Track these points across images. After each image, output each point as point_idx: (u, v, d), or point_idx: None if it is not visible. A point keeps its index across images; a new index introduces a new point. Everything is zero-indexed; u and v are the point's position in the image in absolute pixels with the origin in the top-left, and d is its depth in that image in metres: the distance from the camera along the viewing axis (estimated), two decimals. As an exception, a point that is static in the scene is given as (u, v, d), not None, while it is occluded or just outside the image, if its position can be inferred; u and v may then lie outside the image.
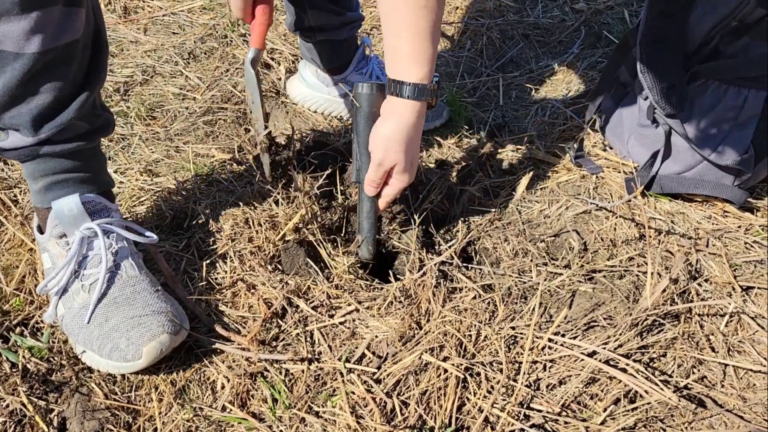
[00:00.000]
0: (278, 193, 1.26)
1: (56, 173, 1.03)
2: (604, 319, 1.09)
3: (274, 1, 1.23)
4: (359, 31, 1.92)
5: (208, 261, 1.17)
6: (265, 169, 1.31)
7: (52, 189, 1.04)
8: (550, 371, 1.01)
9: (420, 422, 0.94)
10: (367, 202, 1.19)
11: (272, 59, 1.76)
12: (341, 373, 1.00)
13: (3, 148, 1.00)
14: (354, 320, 1.09)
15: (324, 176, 1.27)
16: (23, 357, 1.00)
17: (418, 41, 1.01)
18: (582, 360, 1.01)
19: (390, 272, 1.22)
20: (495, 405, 0.96)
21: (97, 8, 1.00)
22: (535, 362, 1.02)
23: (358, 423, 0.93)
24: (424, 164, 1.42)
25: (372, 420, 0.93)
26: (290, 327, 1.08)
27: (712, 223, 1.28)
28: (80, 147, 1.03)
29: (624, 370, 0.99)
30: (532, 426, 0.94)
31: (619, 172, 1.39)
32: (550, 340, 1.04)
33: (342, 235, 1.27)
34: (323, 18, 1.43)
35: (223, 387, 1.00)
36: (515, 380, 0.99)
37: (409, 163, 1.11)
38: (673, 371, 1.02)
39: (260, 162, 1.33)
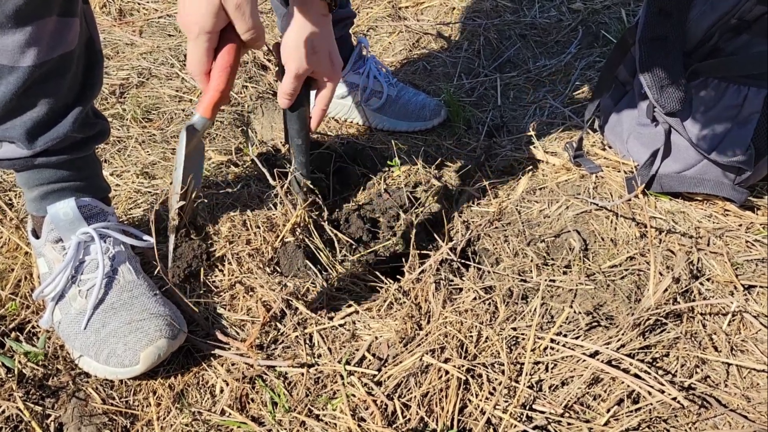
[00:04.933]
0: (276, 195, 1.25)
1: (51, 182, 1.02)
2: (606, 319, 1.08)
3: (243, 56, 1.04)
4: (356, 32, 1.92)
5: (206, 264, 1.16)
6: (169, 253, 0.97)
7: (48, 197, 1.03)
8: (552, 372, 1.00)
9: (422, 424, 0.93)
10: (295, 123, 1.13)
11: (269, 60, 1.75)
12: (341, 376, 0.99)
13: None
14: (354, 322, 1.08)
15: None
16: (19, 362, 0.99)
17: None
18: (584, 360, 1.00)
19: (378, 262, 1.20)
20: (497, 407, 0.95)
21: (89, 17, 0.98)
22: (537, 363, 1.01)
23: (359, 426, 0.92)
24: (422, 166, 1.41)
25: (373, 423, 0.92)
26: (289, 330, 1.06)
27: (713, 222, 1.27)
28: (75, 156, 1.01)
29: (627, 371, 0.99)
30: (535, 428, 0.93)
31: (619, 172, 1.38)
32: (551, 340, 1.03)
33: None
34: None
35: (222, 391, 0.99)
36: (517, 381, 0.98)
37: (329, 61, 1.07)
38: (676, 371, 1.01)
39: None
